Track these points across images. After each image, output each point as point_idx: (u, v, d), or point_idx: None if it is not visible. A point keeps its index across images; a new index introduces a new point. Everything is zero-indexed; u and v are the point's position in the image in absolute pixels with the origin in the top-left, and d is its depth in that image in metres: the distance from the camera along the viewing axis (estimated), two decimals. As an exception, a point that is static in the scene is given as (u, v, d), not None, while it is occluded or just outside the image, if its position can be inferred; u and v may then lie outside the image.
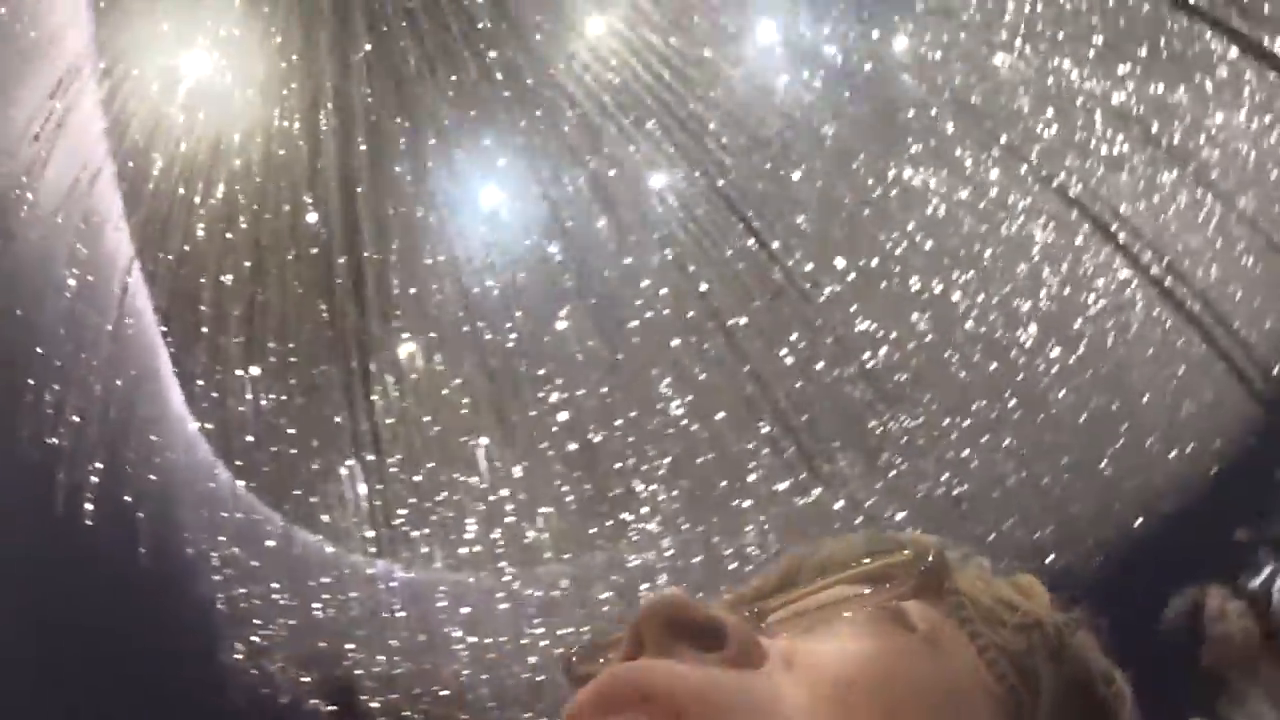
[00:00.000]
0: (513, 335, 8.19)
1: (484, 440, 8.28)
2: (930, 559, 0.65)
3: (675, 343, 8.44)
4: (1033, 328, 8.75)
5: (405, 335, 8.16)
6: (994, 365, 8.62)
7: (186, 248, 7.43)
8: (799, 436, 8.61)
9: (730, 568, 8.79)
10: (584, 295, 8.28)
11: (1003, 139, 8.57)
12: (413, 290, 8.06)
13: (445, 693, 8.56)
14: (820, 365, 8.74)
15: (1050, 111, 8.57)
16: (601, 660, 0.64)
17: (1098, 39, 8.50)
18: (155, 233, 7.37)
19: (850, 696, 0.58)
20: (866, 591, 0.65)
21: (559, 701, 0.57)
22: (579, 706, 0.53)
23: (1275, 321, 8.56)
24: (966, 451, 8.56)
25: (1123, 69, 8.55)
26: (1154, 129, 8.62)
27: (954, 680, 0.63)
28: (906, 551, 0.67)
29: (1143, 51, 8.52)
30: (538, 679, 8.61)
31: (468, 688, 8.57)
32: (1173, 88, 8.61)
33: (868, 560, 0.68)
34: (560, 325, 8.33)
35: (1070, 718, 0.67)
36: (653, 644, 0.56)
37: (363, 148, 7.64)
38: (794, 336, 8.66)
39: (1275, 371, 8.43)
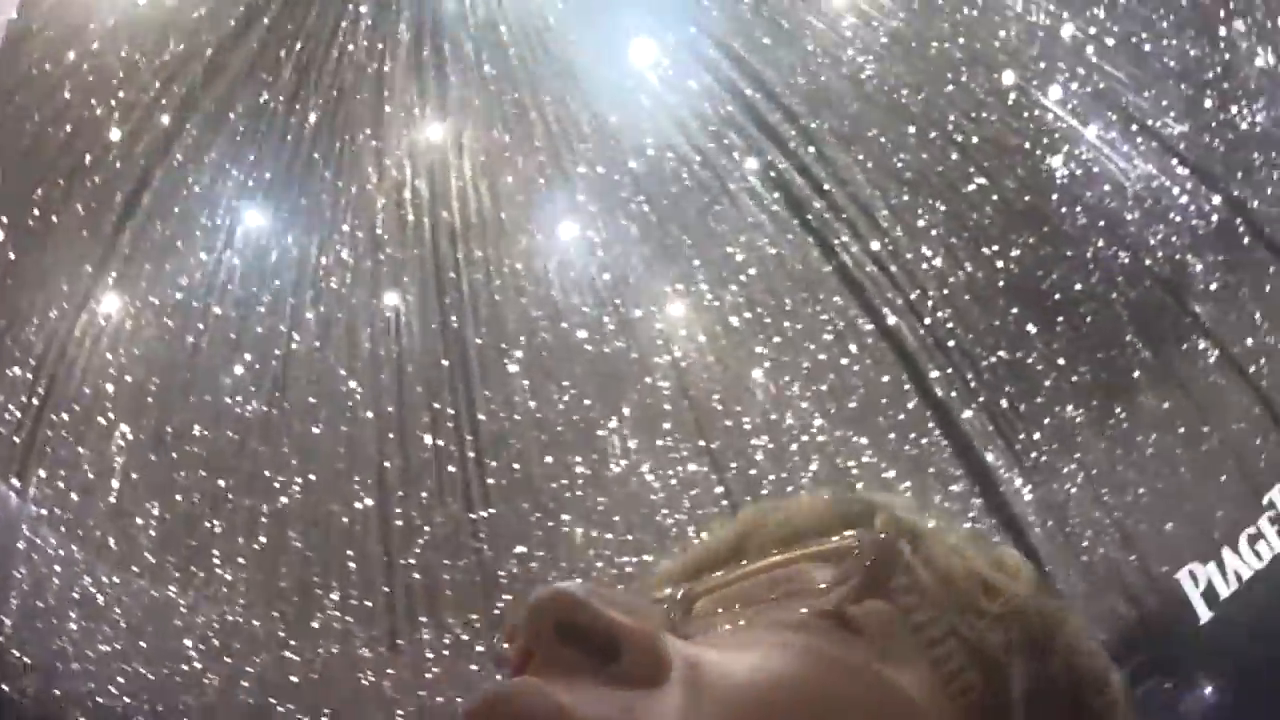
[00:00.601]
0: (193, 341, 8.37)
1: (124, 427, 8.53)
2: (880, 552, 0.58)
3: (319, 438, 8.43)
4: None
5: (114, 285, 8.28)
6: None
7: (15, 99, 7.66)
8: (375, 611, 8.34)
9: (290, 678, 8.51)
10: (263, 354, 8.41)
11: (709, 443, 8.19)
12: (142, 250, 8.19)
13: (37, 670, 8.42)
14: (450, 555, 8.48)
15: (768, 439, 8.12)
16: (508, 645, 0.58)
17: (852, 403, 8.05)
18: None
19: None
20: (819, 583, 0.58)
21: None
22: None
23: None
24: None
25: (860, 440, 8.04)
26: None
27: (905, 701, 0.54)
28: (857, 535, 0.60)
29: (890, 435, 8.01)
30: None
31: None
32: (901, 479, 8.02)
33: (826, 536, 0.61)
34: (237, 370, 8.52)
35: None
36: (542, 648, 0.51)
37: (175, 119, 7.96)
38: (439, 519, 8.45)
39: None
